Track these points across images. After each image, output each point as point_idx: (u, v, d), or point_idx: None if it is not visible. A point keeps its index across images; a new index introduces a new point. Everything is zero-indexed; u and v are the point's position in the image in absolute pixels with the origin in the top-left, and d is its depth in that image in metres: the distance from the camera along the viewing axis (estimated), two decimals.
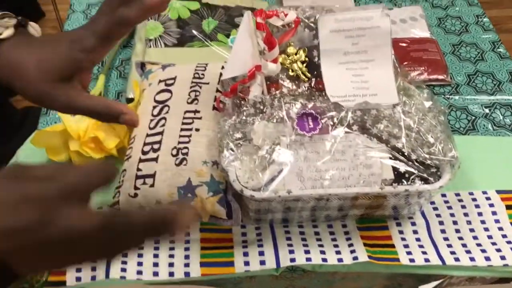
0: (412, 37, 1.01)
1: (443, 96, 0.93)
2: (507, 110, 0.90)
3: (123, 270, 0.67)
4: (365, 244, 0.71)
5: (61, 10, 1.99)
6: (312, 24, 0.72)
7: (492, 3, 2.28)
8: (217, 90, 0.76)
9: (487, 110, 0.90)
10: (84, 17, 1.04)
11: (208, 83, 0.77)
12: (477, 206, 0.76)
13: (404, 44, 0.98)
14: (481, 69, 0.98)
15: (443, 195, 0.77)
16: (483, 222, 0.74)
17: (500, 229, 0.73)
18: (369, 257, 0.68)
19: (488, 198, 0.77)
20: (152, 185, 0.68)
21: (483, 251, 0.71)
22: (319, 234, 0.72)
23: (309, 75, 0.73)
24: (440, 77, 0.94)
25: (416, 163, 0.66)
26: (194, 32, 0.95)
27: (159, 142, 0.70)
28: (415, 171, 0.65)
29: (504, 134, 0.86)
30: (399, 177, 0.65)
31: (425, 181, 0.65)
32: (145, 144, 0.71)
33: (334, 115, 0.68)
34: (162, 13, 0.97)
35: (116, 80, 0.93)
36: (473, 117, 0.89)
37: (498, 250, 0.71)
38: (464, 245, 0.71)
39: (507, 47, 1.02)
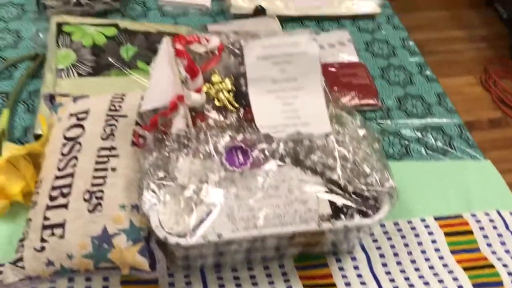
0: (341, 62, 0.99)
1: (374, 121, 0.91)
2: (438, 133, 0.89)
3: None
4: (304, 286, 0.66)
5: None
6: (237, 51, 0.67)
7: (414, 27, 2.37)
8: (136, 124, 0.68)
9: (419, 134, 0.89)
10: None
11: (126, 116, 0.69)
12: (416, 235, 0.73)
13: (333, 69, 0.96)
14: (411, 92, 0.97)
15: (382, 225, 0.74)
16: (423, 252, 0.71)
17: (441, 258, 0.71)
18: None
19: (426, 226, 0.74)
20: (62, 236, 0.59)
21: (426, 283, 0.67)
22: (255, 277, 0.66)
23: (237, 104, 0.67)
24: (371, 101, 0.92)
25: (354, 196, 0.62)
26: (111, 60, 0.87)
27: (69, 185, 0.62)
28: (353, 205, 0.61)
29: (437, 158, 0.85)
30: (336, 211, 0.61)
31: (364, 214, 0.61)
32: (53, 188, 0.62)
33: (265, 147, 0.63)
34: (74, 39, 0.88)
35: (24, 115, 0.83)
36: (406, 142, 0.88)
37: (441, 281, 0.68)
38: (406, 279, 0.68)
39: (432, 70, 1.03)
